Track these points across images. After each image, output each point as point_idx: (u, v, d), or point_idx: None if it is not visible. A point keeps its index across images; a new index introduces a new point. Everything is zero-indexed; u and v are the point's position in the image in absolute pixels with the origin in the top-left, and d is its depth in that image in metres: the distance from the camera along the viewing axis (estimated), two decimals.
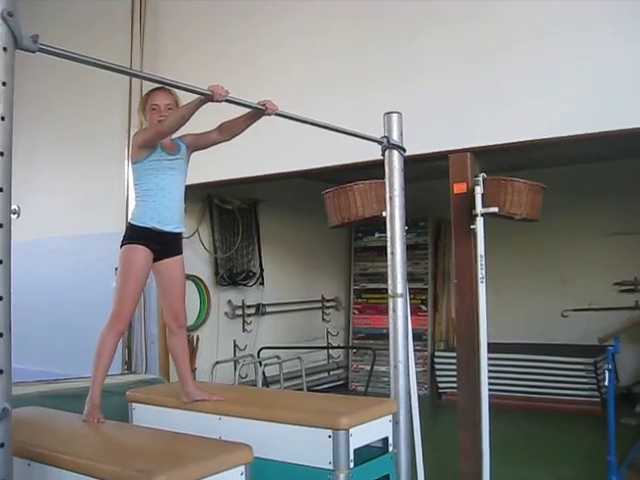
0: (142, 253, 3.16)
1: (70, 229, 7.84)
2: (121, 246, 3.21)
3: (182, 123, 3.00)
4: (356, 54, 5.78)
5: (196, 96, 2.74)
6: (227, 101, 2.68)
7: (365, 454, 2.94)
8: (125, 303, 3.19)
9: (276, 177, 6.40)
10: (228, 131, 3.24)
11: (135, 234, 3.19)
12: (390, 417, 3.12)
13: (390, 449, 3.11)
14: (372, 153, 3.55)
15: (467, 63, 5.21)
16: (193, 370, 7.42)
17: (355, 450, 2.82)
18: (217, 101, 2.65)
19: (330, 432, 2.78)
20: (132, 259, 3.17)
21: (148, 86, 6.56)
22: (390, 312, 3.36)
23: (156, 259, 3.24)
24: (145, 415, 3.44)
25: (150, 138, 3.15)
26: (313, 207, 5.89)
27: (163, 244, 3.23)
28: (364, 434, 2.91)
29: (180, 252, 3.35)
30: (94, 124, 7.67)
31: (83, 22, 7.75)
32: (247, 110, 3.03)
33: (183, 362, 3.42)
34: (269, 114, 2.93)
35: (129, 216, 3.29)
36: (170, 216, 3.21)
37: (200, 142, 3.33)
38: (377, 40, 5.67)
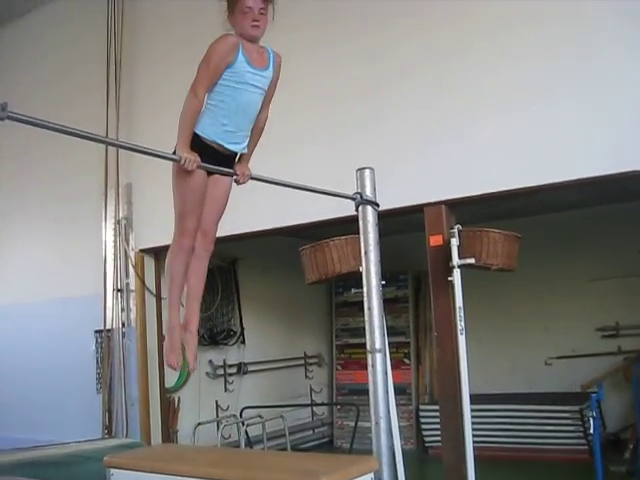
0: (197, 175, 2.88)
1: (47, 293, 7.77)
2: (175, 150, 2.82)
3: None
4: (329, 110, 5.86)
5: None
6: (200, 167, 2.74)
7: None
8: (185, 219, 3.01)
9: (253, 235, 6.41)
10: None
11: (195, 145, 2.84)
12: (372, 475, 3.06)
13: None
14: (347, 209, 3.56)
15: (438, 116, 5.28)
16: (175, 432, 7.35)
17: None
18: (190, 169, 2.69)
19: None
20: (186, 180, 2.89)
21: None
22: (369, 368, 3.32)
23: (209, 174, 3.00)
24: None
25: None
26: (292, 263, 5.87)
27: (220, 163, 2.95)
28: None
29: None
30: (70, 185, 7.70)
31: (59, 88, 7.81)
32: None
33: (197, 296, 3.17)
34: (239, 183, 3.02)
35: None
36: (240, 134, 2.98)
37: None
38: (349, 96, 5.76)
